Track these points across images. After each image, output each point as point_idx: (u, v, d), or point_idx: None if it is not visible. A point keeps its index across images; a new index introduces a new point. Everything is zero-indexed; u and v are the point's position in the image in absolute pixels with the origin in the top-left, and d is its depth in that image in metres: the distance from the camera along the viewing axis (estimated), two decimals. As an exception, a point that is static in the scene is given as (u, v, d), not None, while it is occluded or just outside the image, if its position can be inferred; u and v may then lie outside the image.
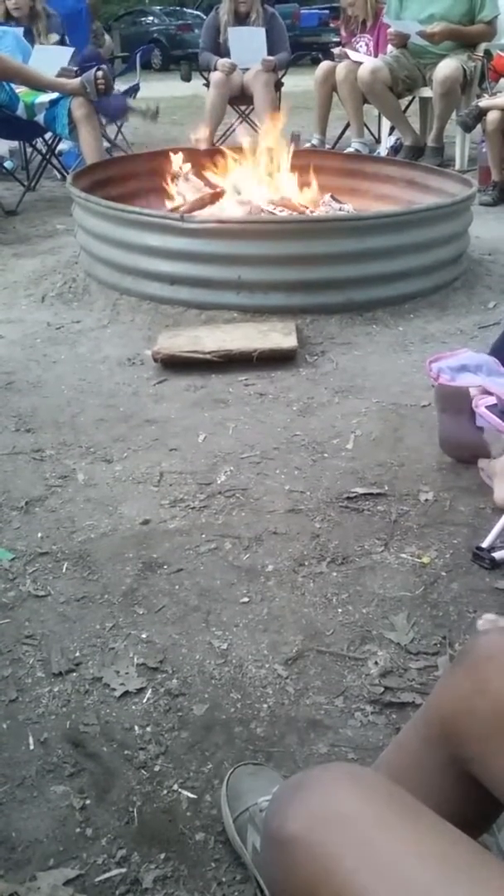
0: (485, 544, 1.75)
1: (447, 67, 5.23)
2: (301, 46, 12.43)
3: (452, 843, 0.65)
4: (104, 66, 4.81)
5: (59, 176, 5.60)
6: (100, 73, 4.46)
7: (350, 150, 5.84)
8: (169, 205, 3.64)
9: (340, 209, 3.66)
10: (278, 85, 6.10)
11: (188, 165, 3.81)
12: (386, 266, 3.14)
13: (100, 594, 1.67)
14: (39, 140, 5.45)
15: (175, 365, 2.69)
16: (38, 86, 4.60)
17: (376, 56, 5.82)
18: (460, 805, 0.83)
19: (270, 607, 1.64)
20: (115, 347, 2.92)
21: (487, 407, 1.63)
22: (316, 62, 7.22)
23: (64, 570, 1.75)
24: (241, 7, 5.86)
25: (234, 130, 6.02)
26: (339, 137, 6.37)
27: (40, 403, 2.51)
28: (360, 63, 5.65)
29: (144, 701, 1.41)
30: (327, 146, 6.18)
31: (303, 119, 7.10)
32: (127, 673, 1.47)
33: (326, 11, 18.93)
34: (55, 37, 5.33)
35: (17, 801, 1.24)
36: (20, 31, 5.13)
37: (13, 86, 4.68)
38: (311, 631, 1.57)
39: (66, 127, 4.59)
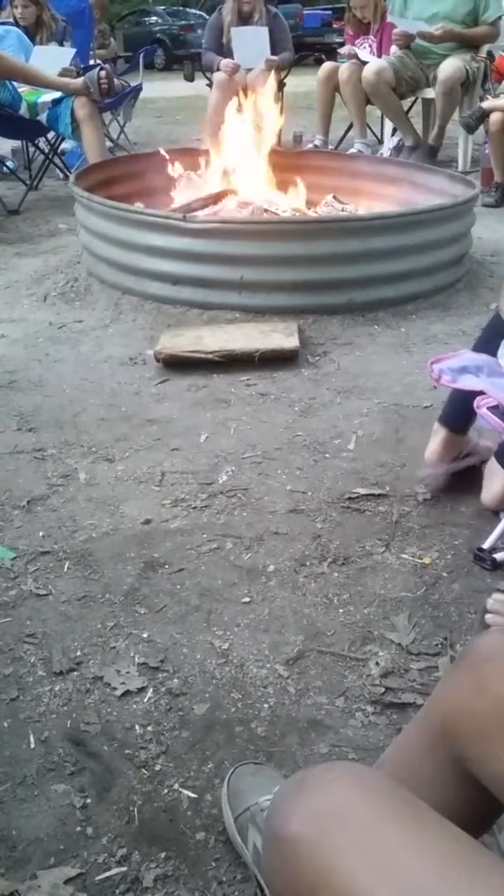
0: (486, 545, 1.76)
1: (450, 67, 5.23)
2: (304, 47, 12.44)
3: (454, 842, 0.65)
4: (107, 66, 4.81)
5: (61, 175, 5.61)
6: (103, 73, 4.47)
7: (353, 150, 5.84)
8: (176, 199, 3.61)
9: (343, 210, 3.66)
10: (281, 85, 6.09)
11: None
12: (388, 267, 3.14)
13: (101, 593, 1.68)
14: (42, 139, 5.46)
15: (177, 365, 2.69)
16: (42, 85, 4.60)
17: (380, 58, 5.82)
18: (461, 805, 0.83)
19: (271, 607, 1.64)
20: (117, 347, 2.92)
21: (489, 408, 1.62)
22: (319, 63, 7.20)
23: (65, 570, 1.75)
24: (244, 7, 5.84)
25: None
26: (342, 138, 6.36)
27: (42, 403, 2.52)
28: (364, 63, 5.64)
29: (145, 700, 1.42)
30: (330, 147, 6.17)
31: (305, 119, 7.11)
32: (128, 672, 1.47)
33: (329, 12, 18.94)
34: (55, 45, 5.33)
35: (18, 800, 1.24)
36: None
37: (16, 85, 4.68)
38: (312, 631, 1.58)
39: (68, 126, 4.59)
